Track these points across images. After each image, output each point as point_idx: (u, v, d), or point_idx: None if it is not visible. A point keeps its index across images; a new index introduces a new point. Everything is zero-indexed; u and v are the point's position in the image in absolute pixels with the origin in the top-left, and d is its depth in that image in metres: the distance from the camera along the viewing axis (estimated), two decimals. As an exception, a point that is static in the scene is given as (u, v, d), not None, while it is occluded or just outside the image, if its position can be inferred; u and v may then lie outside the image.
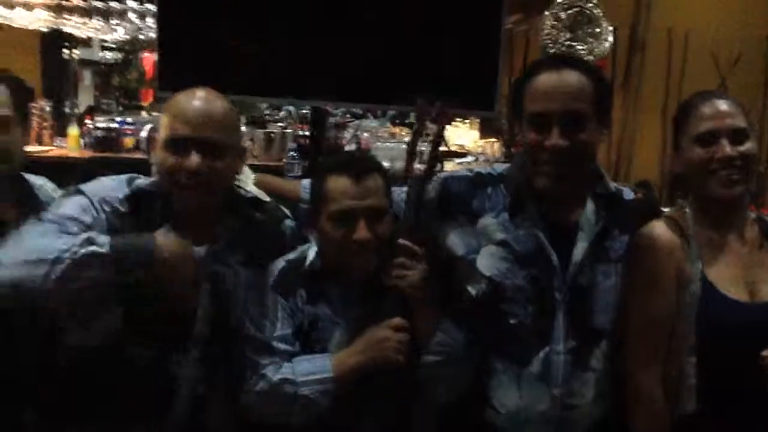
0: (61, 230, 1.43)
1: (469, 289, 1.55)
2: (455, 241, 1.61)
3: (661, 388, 1.51)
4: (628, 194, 1.66)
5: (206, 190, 1.50)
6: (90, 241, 1.39)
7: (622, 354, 1.57)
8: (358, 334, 1.52)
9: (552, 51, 4.05)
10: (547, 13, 4.07)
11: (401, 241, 1.52)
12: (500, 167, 1.70)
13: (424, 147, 1.81)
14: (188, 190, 1.49)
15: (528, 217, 1.56)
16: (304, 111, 5.26)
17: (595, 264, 1.55)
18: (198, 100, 1.51)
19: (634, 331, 1.54)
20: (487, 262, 1.57)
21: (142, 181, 1.59)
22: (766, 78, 5.51)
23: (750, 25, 5.38)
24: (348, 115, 4.88)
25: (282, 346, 1.52)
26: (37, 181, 1.72)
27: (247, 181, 1.72)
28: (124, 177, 1.59)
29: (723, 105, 1.52)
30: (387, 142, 4.24)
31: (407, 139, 5.13)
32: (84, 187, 1.54)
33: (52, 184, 1.76)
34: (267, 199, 1.74)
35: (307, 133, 4.42)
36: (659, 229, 1.55)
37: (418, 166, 1.63)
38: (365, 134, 4.33)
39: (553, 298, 1.53)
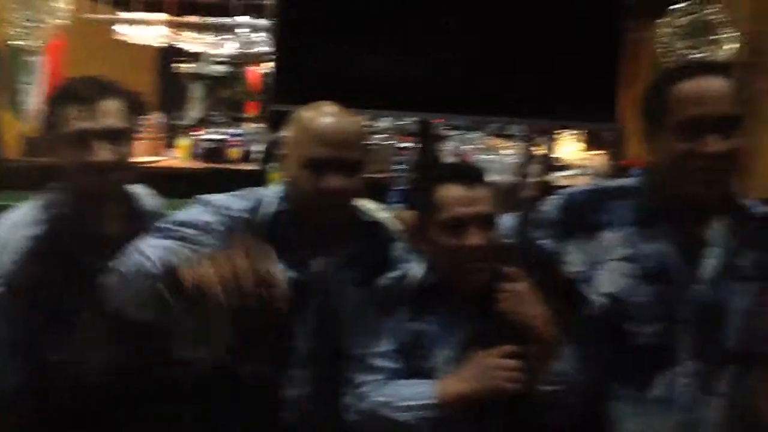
0: (169, 236, 1.48)
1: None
2: (575, 258, 1.56)
3: None
4: (759, 208, 1.57)
5: (340, 208, 1.54)
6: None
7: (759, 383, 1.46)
8: (467, 351, 1.48)
9: (667, 59, 3.89)
10: (662, 20, 3.91)
11: (510, 269, 1.48)
12: (626, 181, 1.64)
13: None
14: (328, 208, 1.52)
15: (655, 232, 1.49)
16: (402, 123, 5.26)
17: (726, 282, 1.47)
18: (332, 118, 1.53)
19: None
20: (609, 278, 1.51)
21: (263, 191, 1.62)
22: None
23: None
24: (448, 127, 4.84)
25: (384, 363, 1.50)
26: (139, 190, 1.78)
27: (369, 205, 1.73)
28: (245, 190, 1.63)
29: None
30: (488, 154, 4.16)
31: (508, 151, 5.04)
32: (205, 196, 1.59)
33: (152, 192, 1.80)
34: (397, 227, 1.74)
35: (407, 145, 4.43)
36: None
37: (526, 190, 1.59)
38: (467, 147, 4.28)
39: (681, 316, 1.46)
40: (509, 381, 1.41)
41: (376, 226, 1.69)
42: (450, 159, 3.77)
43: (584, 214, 1.57)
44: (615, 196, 1.57)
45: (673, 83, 1.47)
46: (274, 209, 1.58)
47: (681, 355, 1.46)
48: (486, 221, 1.48)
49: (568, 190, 1.67)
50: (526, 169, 1.61)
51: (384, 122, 4.95)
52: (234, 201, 1.59)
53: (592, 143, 4.87)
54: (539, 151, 1.62)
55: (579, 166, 4.78)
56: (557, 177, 4.42)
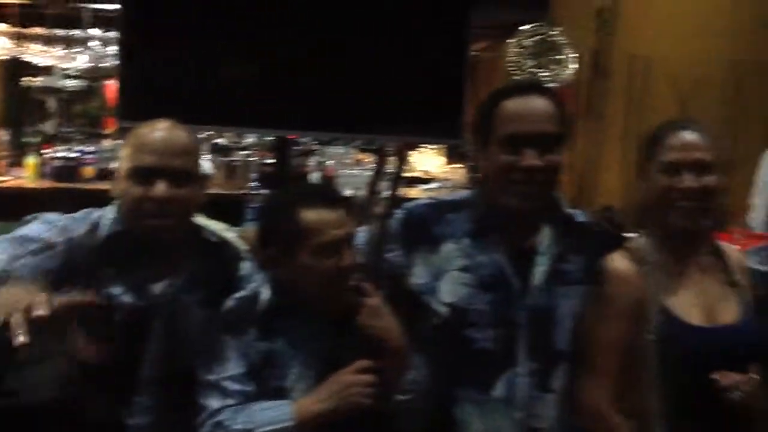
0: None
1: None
2: (419, 270, 1.61)
3: (614, 411, 1.52)
4: (581, 217, 1.69)
5: (171, 219, 1.49)
6: None
7: (582, 382, 1.57)
8: (319, 368, 1.48)
9: (517, 77, 4.12)
10: (511, 40, 4.14)
11: (363, 283, 1.50)
12: (462, 194, 1.73)
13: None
14: (154, 219, 1.47)
15: (489, 242, 1.58)
16: (270, 138, 5.23)
17: (554, 287, 1.57)
18: (160, 130, 1.52)
19: (593, 360, 1.54)
20: (449, 288, 1.57)
21: (100, 213, 1.56)
22: (724, 103, 5.66)
23: (709, 50, 5.53)
24: (315, 142, 4.87)
25: (235, 386, 1.46)
26: None
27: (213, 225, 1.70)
28: (82, 212, 1.57)
29: (690, 136, 1.54)
30: (352, 169, 4.22)
31: (373, 166, 5.13)
32: (46, 214, 1.53)
33: None
34: (244, 246, 1.71)
35: (271, 161, 4.41)
36: (618, 261, 1.56)
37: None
38: (330, 161, 4.31)
39: (515, 321, 1.55)
40: (366, 396, 1.42)
41: (221, 245, 1.66)
42: (310, 177, 3.78)
43: (425, 227, 1.63)
44: (452, 209, 1.64)
45: (497, 102, 1.57)
46: (110, 231, 1.52)
47: (518, 356, 1.54)
48: (352, 241, 1.49)
49: (408, 205, 1.72)
50: (376, 184, 1.63)
51: (249, 138, 4.90)
52: (72, 223, 1.53)
53: (453, 158, 5.06)
54: (394, 165, 1.66)
55: (442, 180, 4.96)
56: (421, 190, 4.56)
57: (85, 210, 1.59)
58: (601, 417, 1.53)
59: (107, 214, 1.55)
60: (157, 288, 1.53)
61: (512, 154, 1.52)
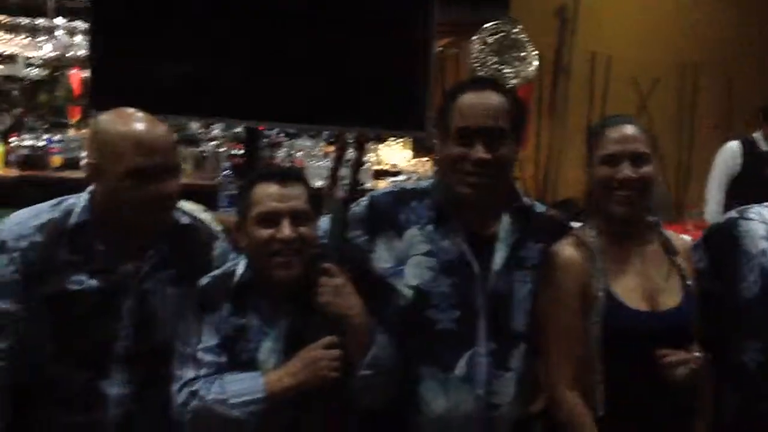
0: None
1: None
2: (383, 255, 1.68)
3: (577, 392, 1.59)
4: (540, 208, 1.78)
5: (168, 212, 1.59)
6: None
7: (541, 364, 1.65)
8: (288, 343, 1.56)
9: (480, 73, 4.20)
10: (475, 37, 4.22)
11: (326, 264, 1.57)
12: (424, 182, 1.80)
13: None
14: (152, 216, 1.55)
15: (451, 229, 1.65)
16: (237, 129, 5.25)
17: (512, 271, 1.65)
18: (147, 125, 1.56)
19: (548, 343, 1.62)
20: (413, 271, 1.65)
21: (74, 200, 1.62)
22: (681, 102, 5.85)
23: (668, 51, 5.70)
24: (282, 134, 4.90)
25: (208, 357, 1.54)
26: None
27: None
28: (48, 203, 1.63)
29: (628, 130, 1.63)
30: (321, 161, 4.27)
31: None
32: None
33: None
34: (218, 227, 1.78)
35: (240, 152, 4.44)
36: (564, 248, 1.65)
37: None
38: (299, 153, 4.36)
39: (475, 303, 1.62)
40: (333, 370, 1.50)
41: (194, 226, 1.73)
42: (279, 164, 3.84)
43: (389, 213, 1.70)
44: (415, 197, 1.71)
45: (454, 97, 1.66)
46: (80, 219, 1.59)
47: (478, 337, 1.62)
48: (299, 217, 1.56)
49: (373, 192, 1.80)
50: (337, 172, 1.71)
51: (216, 129, 4.92)
52: (29, 219, 1.59)
53: (419, 151, 5.14)
54: (354, 154, 1.74)
55: (408, 172, 5.03)
56: (389, 182, 4.63)
57: (59, 198, 1.64)
58: (558, 399, 1.60)
59: (80, 202, 1.61)
60: (125, 270, 1.59)
61: (463, 147, 1.60)
